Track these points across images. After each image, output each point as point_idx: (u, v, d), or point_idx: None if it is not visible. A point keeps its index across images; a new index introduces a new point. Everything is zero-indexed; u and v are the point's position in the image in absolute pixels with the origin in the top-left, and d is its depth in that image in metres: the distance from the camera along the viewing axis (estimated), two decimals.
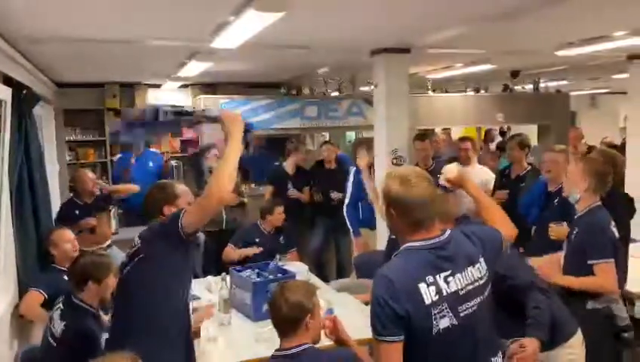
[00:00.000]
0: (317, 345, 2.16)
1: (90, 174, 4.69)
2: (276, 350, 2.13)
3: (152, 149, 6.61)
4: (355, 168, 5.02)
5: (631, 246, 4.51)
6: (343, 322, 3.02)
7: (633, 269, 3.72)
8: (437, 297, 1.69)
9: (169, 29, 3.71)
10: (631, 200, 3.50)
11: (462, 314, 1.73)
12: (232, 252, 4.36)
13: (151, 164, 6.17)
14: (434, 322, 1.68)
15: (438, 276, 1.72)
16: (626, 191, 5.46)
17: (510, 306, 2.34)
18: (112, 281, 2.70)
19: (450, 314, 1.71)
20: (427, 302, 1.68)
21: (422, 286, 1.68)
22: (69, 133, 7.40)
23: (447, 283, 1.72)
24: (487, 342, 1.84)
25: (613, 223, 2.78)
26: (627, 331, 2.74)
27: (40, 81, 5.24)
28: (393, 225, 1.85)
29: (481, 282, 1.80)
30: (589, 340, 2.48)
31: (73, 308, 2.65)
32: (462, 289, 1.74)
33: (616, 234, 2.75)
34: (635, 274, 3.60)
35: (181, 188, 2.48)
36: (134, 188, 4.94)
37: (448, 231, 1.83)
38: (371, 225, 4.90)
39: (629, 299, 3.56)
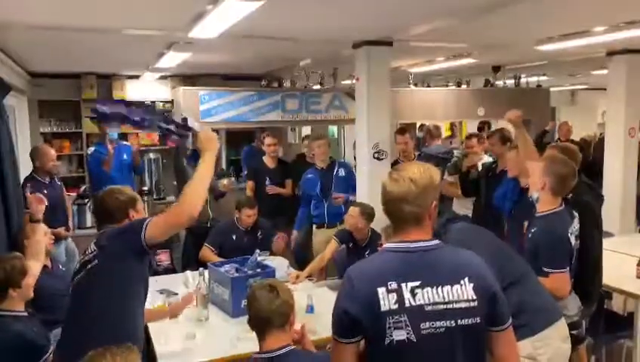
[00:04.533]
0: None
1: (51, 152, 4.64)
2: (257, 352, 2.04)
3: (124, 142, 6.49)
4: (313, 168, 5.08)
5: (607, 240, 4.59)
6: (323, 318, 3.01)
7: (610, 263, 3.77)
8: (396, 306, 1.56)
9: (145, 18, 3.61)
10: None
11: (423, 332, 1.56)
12: (210, 255, 4.21)
13: (125, 156, 6.00)
14: (387, 332, 1.55)
15: (404, 284, 1.57)
16: (603, 183, 5.58)
17: None
18: (31, 279, 2.60)
19: (409, 329, 1.55)
20: (383, 308, 1.56)
21: (381, 290, 1.56)
22: (44, 124, 7.20)
23: (414, 294, 1.57)
24: None
25: (571, 229, 2.75)
26: (577, 328, 2.71)
27: (11, 70, 5.08)
28: None
29: (462, 306, 1.59)
30: None
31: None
32: (429, 305, 1.57)
33: (573, 242, 2.73)
34: (612, 268, 3.65)
35: (132, 191, 2.51)
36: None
37: (437, 241, 1.67)
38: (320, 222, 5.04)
39: (607, 293, 3.60)
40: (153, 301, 3.23)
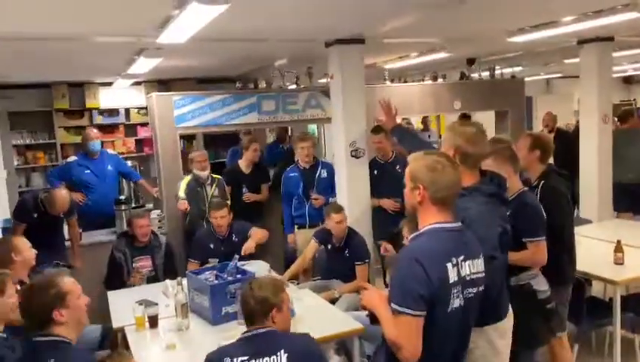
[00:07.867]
0: None
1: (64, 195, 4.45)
2: (243, 333, 2.26)
3: (109, 151, 6.32)
4: (295, 166, 5.04)
5: (585, 227, 4.64)
6: (305, 321, 2.98)
7: (588, 250, 3.80)
8: (456, 278, 1.83)
9: (111, 25, 3.53)
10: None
11: (466, 297, 1.87)
12: (195, 266, 4.11)
13: (109, 167, 5.82)
14: (451, 300, 1.81)
15: (459, 258, 1.85)
16: (580, 170, 5.62)
17: None
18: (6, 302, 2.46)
19: (461, 296, 1.85)
20: (451, 281, 1.81)
21: (449, 265, 1.81)
22: (16, 136, 7.05)
23: (462, 266, 1.86)
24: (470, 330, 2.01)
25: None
26: (549, 303, 2.79)
27: None
28: (418, 203, 1.92)
29: (480, 276, 1.93)
30: (515, 314, 2.45)
31: None
32: (469, 275, 1.88)
33: (544, 215, 2.81)
34: (590, 255, 3.68)
35: (66, 279, 2.13)
36: None
37: (460, 223, 1.95)
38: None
39: (587, 281, 3.63)
40: (133, 312, 3.17)
